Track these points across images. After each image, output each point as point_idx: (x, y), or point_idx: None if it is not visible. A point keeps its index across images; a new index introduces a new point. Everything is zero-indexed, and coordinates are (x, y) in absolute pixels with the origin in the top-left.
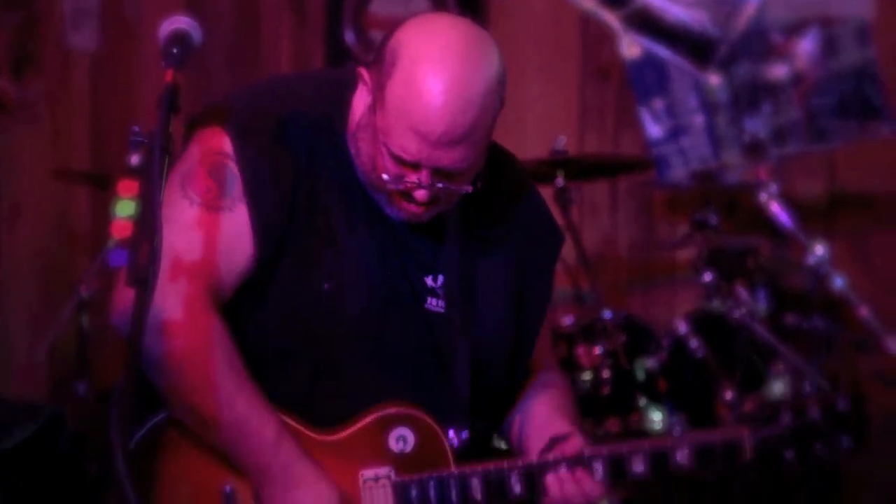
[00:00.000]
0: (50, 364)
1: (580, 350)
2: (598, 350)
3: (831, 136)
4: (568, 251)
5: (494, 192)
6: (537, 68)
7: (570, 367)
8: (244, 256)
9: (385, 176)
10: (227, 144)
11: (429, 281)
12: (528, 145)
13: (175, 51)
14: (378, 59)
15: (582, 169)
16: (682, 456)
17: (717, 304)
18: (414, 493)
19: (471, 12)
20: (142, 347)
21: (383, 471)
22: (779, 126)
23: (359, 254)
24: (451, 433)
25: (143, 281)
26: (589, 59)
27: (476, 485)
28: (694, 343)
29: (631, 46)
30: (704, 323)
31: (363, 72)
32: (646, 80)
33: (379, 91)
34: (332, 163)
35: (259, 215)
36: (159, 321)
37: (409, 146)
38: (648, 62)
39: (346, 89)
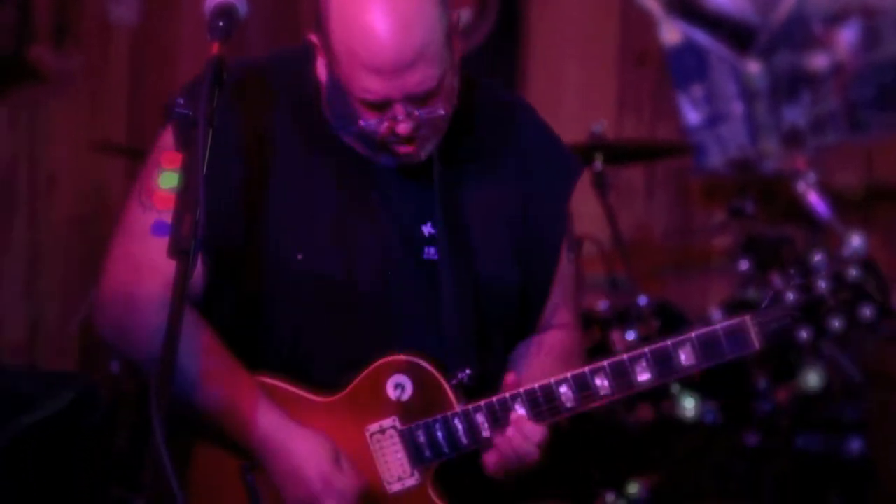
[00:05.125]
0: (82, 337)
1: (614, 335)
2: (631, 336)
3: (870, 127)
4: (604, 235)
5: (487, 128)
6: (576, 53)
7: (603, 352)
8: None
9: (363, 123)
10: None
11: (426, 229)
12: (565, 130)
13: (221, 23)
14: (317, 19)
15: (620, 153)
16: (686, 355)
17: (751, 293)
18: (422, 438)
19: None
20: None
21: (388, 421)
22: (817, 116)
23: (339, 218)
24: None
25: (186, 252)
26: (628, 45)
27: (482, 419)
28: None
29: (671, 32)
30: (738, 311)
31: (313, 38)
32: (685, 66)
33: (327, 48)
34: (303, 129)
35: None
36: (125, 324)
37: (370, 86)
38: (688, 48)
39: (306, 60)
